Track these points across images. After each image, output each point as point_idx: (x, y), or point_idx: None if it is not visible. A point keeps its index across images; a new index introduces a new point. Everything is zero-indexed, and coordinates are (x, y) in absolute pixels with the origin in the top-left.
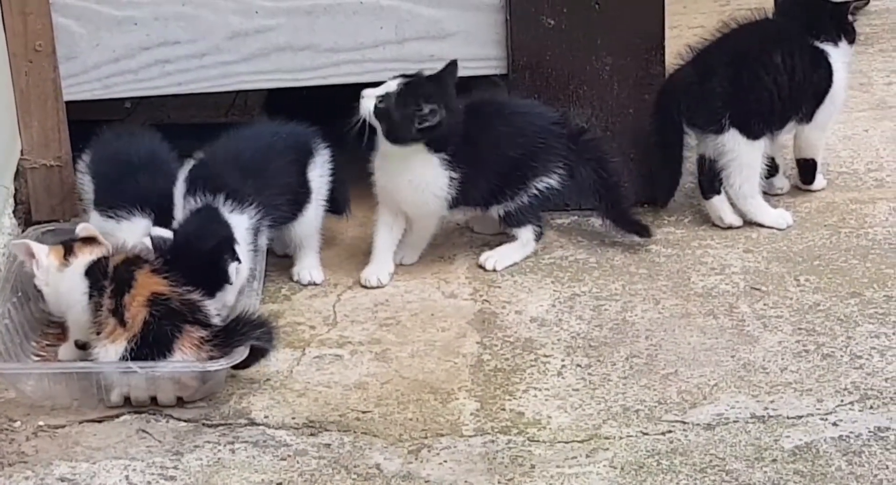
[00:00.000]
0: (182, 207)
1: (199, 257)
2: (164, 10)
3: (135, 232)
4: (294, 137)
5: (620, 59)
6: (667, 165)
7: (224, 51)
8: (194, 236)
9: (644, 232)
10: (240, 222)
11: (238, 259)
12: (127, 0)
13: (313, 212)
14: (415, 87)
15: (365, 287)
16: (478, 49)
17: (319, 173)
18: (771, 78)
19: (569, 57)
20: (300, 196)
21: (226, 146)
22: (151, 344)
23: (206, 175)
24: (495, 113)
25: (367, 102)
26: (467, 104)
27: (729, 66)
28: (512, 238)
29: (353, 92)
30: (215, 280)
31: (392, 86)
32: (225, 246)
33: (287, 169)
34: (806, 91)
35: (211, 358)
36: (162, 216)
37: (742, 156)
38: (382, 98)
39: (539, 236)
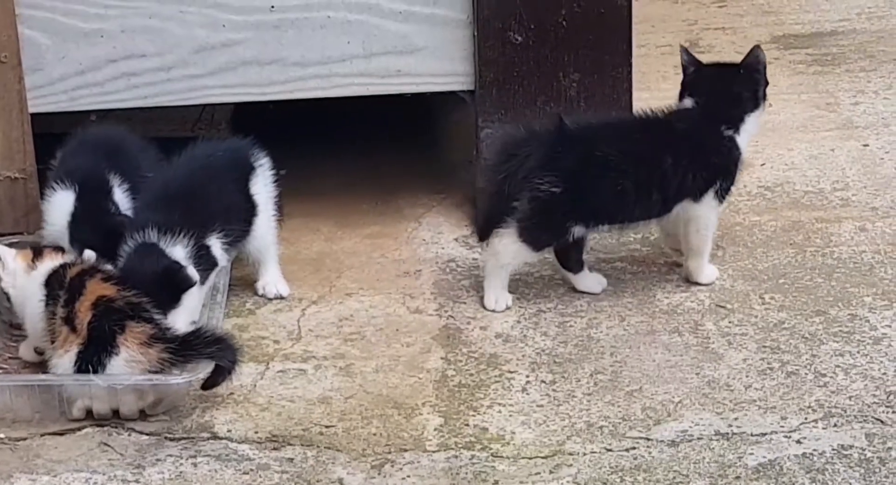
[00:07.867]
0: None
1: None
2: (131, 22)
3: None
4: (231, 154)
5: (587, 76)
6: None
7: (191, 64)
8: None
9: None
10: (177, 255)
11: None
12: (94, 12)
13: (264, 226)
14: None
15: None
16: (445, 64)
17: (263, 186)
18: None
19: (536, 74)
20: (247, 212)
21: (161, 177)
22: (97, 343)
23: (142, 215)
24: None
25: None
26: None
27: None
28: None
29: (318, 106)
30: (168, 297)
31: None
32: (172, 270)
33: (227, 188)
34: None
35: (162, 360)
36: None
37: None
38: None
39: None
